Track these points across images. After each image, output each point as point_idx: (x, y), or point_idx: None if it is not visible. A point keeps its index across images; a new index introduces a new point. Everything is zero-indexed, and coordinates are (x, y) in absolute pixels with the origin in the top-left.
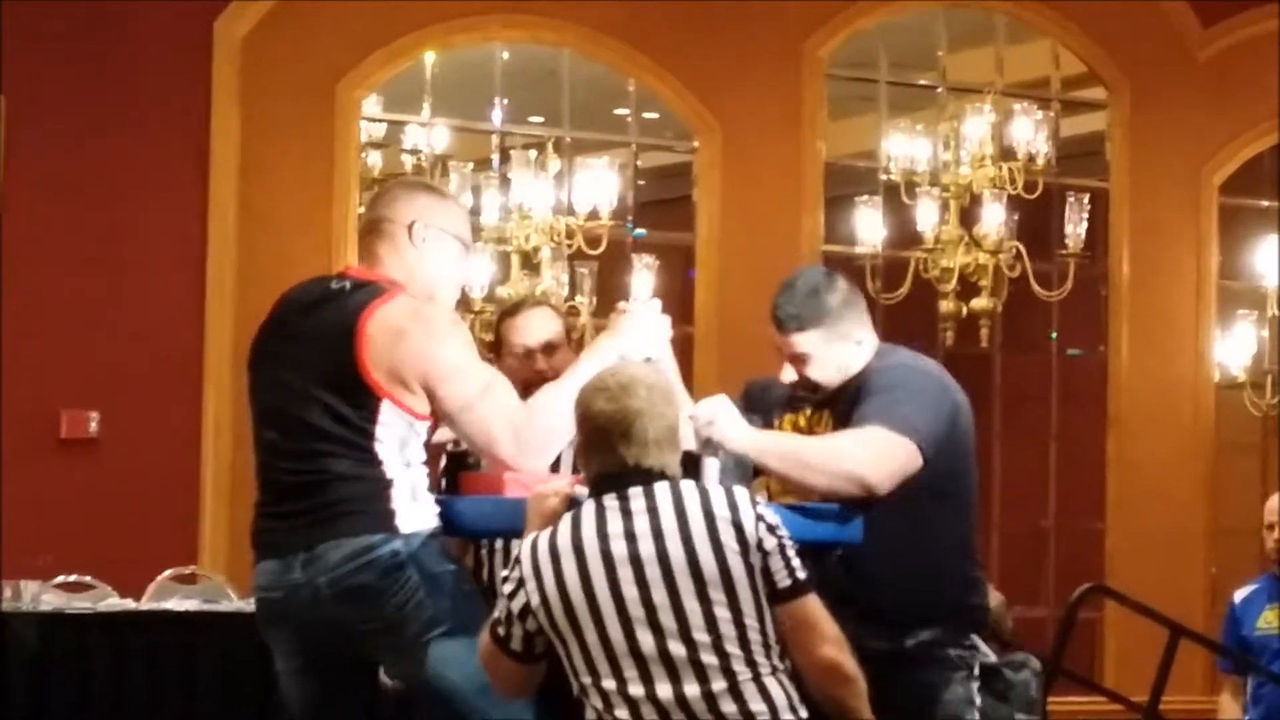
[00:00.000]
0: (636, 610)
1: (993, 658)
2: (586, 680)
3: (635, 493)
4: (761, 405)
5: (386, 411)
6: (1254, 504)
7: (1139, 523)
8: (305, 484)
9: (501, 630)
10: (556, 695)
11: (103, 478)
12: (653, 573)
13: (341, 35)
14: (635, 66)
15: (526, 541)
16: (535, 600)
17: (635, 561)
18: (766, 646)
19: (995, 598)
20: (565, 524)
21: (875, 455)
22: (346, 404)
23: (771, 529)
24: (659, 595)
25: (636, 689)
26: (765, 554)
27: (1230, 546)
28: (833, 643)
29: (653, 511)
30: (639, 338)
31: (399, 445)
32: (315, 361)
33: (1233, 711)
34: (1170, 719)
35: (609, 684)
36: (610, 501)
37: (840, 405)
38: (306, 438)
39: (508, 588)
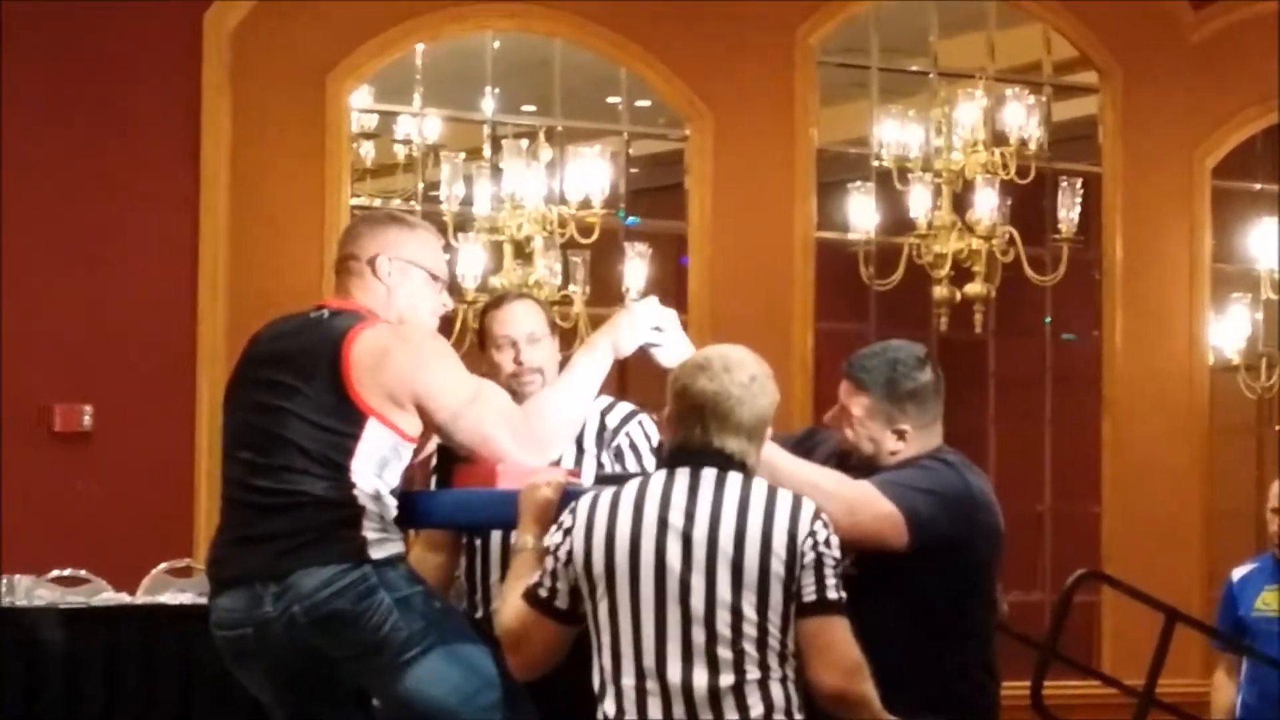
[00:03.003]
0: (673, 584)
1: None
2: (605, 639)
3: (708, 474)
4: (807, 452)
5: (372, 429)
6: (1249, 486)
7: (1135, 506)
8: (277, 505)
9: (544, 591)
10: (549, 702)
11: (97, 472)
12: (698, 556)
13: (331, 26)
14: (626, 54)
15: (587, 495)
16: (580, 546)
17: (686, 539)
18: (782, 656)
19: None
20: (633, 484)
21: (848, 503)
22: (330, 418)
23: (818, 544)
24: (697, 579)
25: (649, 660)
26: (803, 567)
27: (1226, 529)
28: (841, 671)
29: (718, 498)
30: (633, 333)
31: (378, 467)
32: (299, 382)
33: (1227, 690)
34: (1167, 703)
35: (625, 647)
36: (682, 475)
37: None
38: (284, 453)
39: (555, 538)
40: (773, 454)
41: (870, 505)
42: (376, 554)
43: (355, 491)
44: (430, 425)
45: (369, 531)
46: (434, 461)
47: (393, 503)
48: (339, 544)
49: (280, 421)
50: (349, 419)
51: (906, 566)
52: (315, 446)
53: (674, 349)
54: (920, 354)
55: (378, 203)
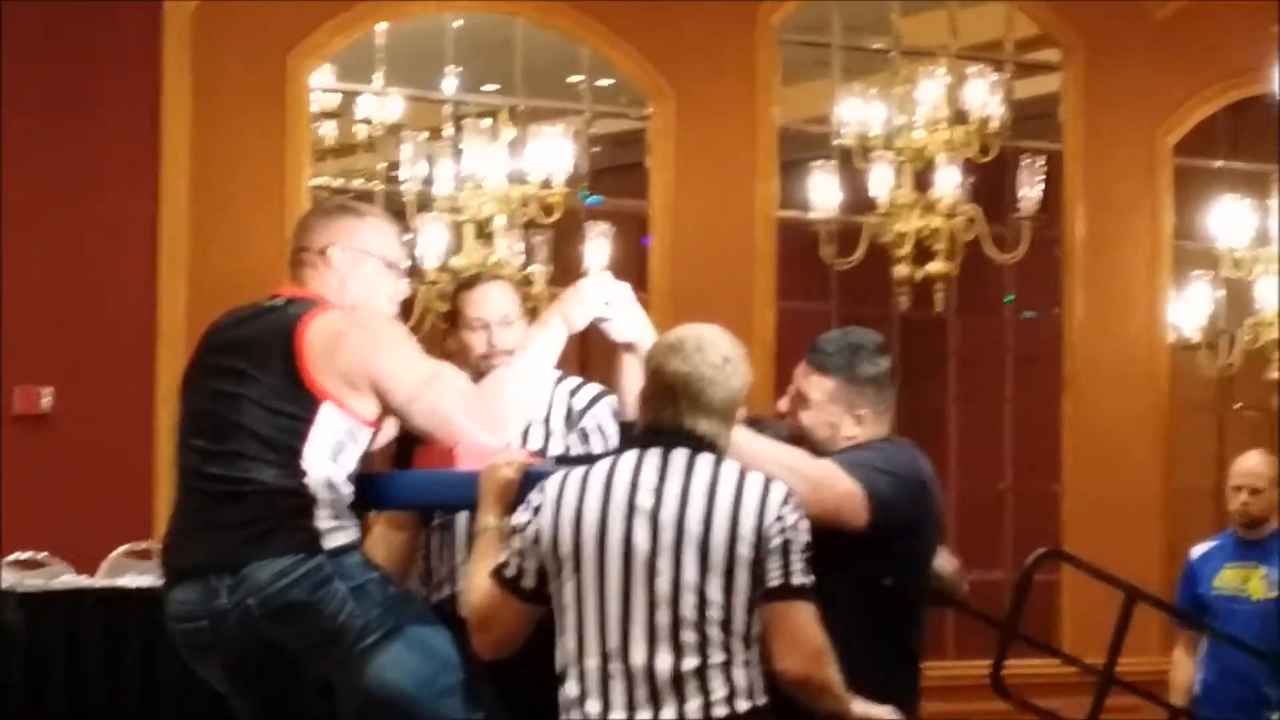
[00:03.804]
0: (639, 566)
1: None
2: (570, 619)
3: (679, 455)
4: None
5: (326, 413)
6: (1209, 465)
7: (1095, 485)
8: (229, 494)
9: (511, 570)
10: (508, 688)
11: (56, 454)
12: (665, 537)
13: (292, 6)
14: (588, 33)
15: (556, 475)
16: (548, 526)
17: (654, 520)
18: (747, 640)
19: (951, 563)
20: (603, 463)
21: (811, 479)
22: (285, 403)
23: (786, 528)
24: (663, 561)
25: (613, 642)
26: (769, 551)
27: (1186, 507)
28: (805, 656)
29: (687, 480)
30: (583, 308)
31: (332, 452)
32: (253, 368)
33: (1185, 667)
34: (1126, 681)
35: (590, 629)
36: (652, 455)
37: None
38: (237, 439)
39: (523, 518)
40: (734, 432)
41: (833, 482)
42: (330, 543)
43: (307, 480)
44: (387, 408)
45: (321, 521)
46: (393, 447)
47: (348, 490)
48: (292, 535)
49: (235, 408)
50: (303, 403)
51: (857, 546)
52: (269, 431)
53: (626, 323)
54: (880, 341)
55: (339, 182)
